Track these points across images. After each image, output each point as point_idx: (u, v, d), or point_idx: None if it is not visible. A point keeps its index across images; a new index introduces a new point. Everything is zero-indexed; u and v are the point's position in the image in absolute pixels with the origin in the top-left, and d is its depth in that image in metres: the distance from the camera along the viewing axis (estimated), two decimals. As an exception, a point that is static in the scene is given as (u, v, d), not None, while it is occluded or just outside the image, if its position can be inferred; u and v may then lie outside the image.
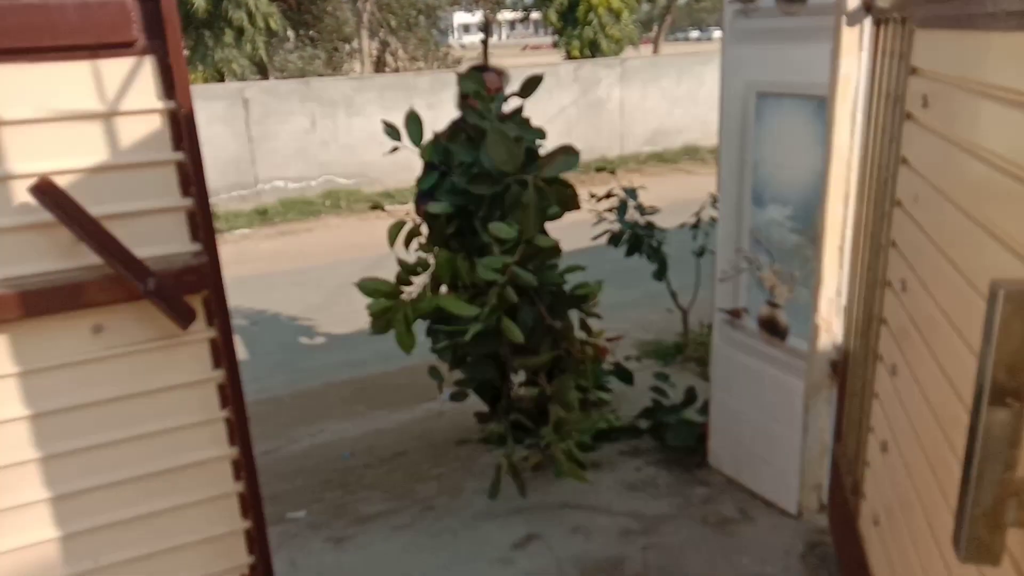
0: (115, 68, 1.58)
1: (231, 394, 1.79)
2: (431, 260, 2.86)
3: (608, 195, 4.07)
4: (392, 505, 3.11)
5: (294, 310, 5.90)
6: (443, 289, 2.93)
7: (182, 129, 1.65)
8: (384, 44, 17.56)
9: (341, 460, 3.57)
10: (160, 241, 1.68)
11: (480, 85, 2.90)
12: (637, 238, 3.98)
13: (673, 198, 5.56)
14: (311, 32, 17.46)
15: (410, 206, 3.22)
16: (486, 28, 19.24)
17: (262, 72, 13.82)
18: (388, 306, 2.73)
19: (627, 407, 3.64)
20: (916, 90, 1.73)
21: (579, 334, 3.00)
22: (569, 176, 2.81)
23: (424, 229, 2.98)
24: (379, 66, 17.18)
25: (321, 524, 3.01)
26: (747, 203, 2.84)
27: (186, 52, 12.15)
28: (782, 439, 2.78)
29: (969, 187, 1.33)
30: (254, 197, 9.33)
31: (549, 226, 2.91)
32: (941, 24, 1.56)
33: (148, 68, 1.60)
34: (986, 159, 1.22)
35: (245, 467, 1.84)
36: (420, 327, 2.88)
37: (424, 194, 3.07)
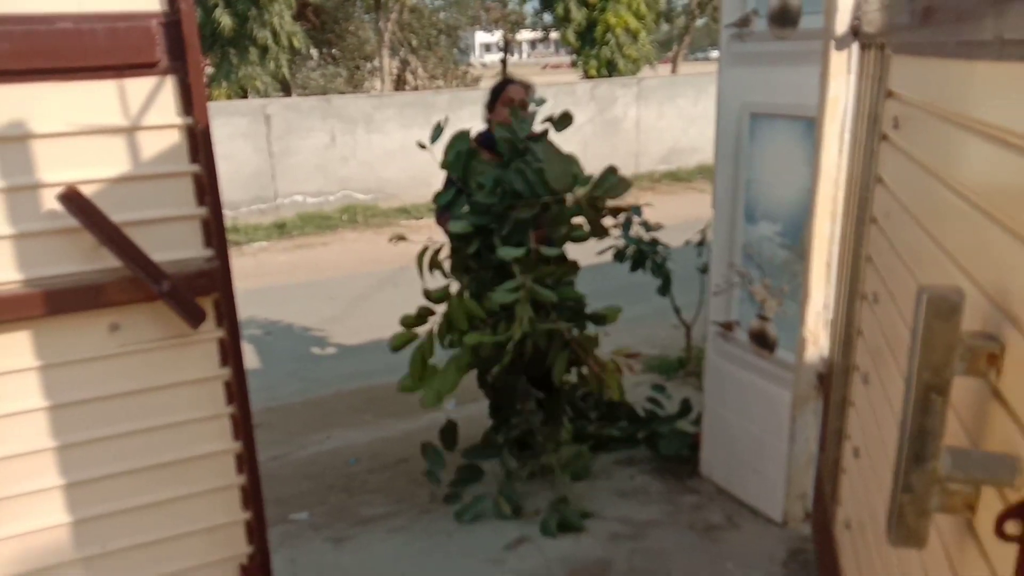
0: (139, 86, 1.69)
1: (236, 391, 1.90)
2: (453, 288, 2.95)
3: (616, 211, 4.16)
4: (391, 508, 3.20)
5: (308, 321, 6.02)
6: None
7: (199, 143, 1.76)
8: (404, 63, 17.86)
9: (347, 466, 3.66)
10: (175, 246, 1.79)
11: (514, 135, 2.91)
12: (641, 254, 4.06)
13: (685, 216, 5.64)
14: (333, 51, 17.85)
15: (427, 221, 3.32)
16: (505, 47, 19.51)
17: (285, 89, 14.10)
18: (409, 338, 2.87)
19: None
20: (890, 112, 1.82)
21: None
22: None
23: (445, 243, 3.03)
24: (399, 84, 17.46)
25: (322, 525, 3.10)
26: (740, 219, 2.92)
27: (211, 69, 12.49)
28: (770, 449, 2.84)
29: (926, 204, 1.41)
30: (273, 211, 9.51)
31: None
32: (910, 51, 1.65)
33: (169, 87, 1.72)
34: (941, 179, 1.30)
35: (247, 461, 1.95)
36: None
37: (444, 208, 3.10)
